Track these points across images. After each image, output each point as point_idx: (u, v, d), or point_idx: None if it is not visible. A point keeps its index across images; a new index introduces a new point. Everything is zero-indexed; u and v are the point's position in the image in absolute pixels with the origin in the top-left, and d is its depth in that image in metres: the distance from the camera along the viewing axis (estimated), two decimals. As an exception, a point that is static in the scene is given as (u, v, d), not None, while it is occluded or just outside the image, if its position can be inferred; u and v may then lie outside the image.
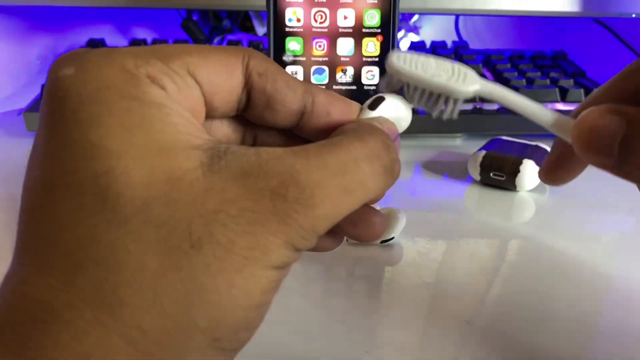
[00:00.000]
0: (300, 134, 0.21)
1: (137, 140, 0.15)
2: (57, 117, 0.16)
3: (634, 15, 0.57)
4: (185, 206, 0.15)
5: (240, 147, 0.16)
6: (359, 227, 0.20)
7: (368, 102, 0.22)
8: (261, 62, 0.19)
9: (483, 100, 0.52)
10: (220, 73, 0.18)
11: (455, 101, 0.21)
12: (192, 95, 0.18)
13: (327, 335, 0.28)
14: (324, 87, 0.43)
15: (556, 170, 0.23)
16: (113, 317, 0.14)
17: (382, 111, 0.21)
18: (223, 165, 0.16)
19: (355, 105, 0.21)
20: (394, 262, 0.34)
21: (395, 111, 0.22)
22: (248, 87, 0.19)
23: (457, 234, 0.37)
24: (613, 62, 0.67)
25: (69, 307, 0.14)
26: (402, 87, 0.21)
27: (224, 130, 0.21)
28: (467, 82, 0.21)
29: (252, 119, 0.20)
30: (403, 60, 0.21)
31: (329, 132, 0.20)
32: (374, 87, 0.43)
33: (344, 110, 0.21)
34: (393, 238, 0.35)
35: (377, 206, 0.36)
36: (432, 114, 0.22)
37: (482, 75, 0.56)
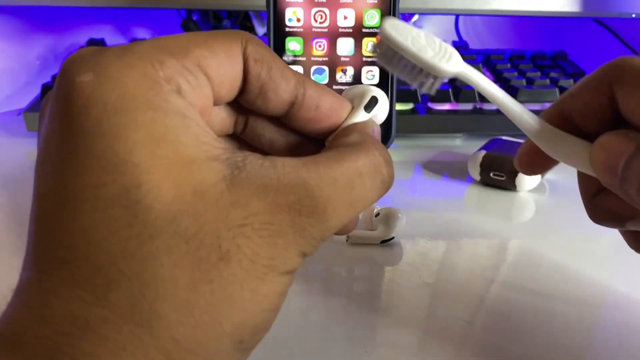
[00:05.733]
0: (288, 123, 0.21)
1: (163, 153, 0.15)
2: (78, 126, 0.15)
3: (634, 15, 0.57)
4: (212, 219, 0.15)
5: (256, 157, 0.17)
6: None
7: (363, 102, 0.22)
8: (257, 47, 0.19)
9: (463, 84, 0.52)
10: (225, 63, 0.18)
11: (436, 78, 0.22)
12: (203, 93, 0.18)
13: (327, 335, 0.28)
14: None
15: (533, 160, 0.24)
16: (150, 332, 0.15)
17: (374, 112, 0.22)
18: (244, 178, 0.16)
19: (346, 103, 0.21)
20: (394, 262, 0.34)
21: (381, 109, 0.22)
22: (245, 73, 0.19)
23: (457, 234, 0.37)
24: (613, 62, 0.67)
25: (104, 322, 0.14)
26: (390, 55, 0.22)
27: (221, 115, 0.21)
28: (450, 62, 0.22)
29: (244, 103, 0.20)
30: (396, 29, 0.21)
31: (316, 124, 0.21)
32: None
33: (334, 106, 0.21)
34: (393, 238, 0.35)
35: (377, 206, 0.36)
36: (411, 85, 0.23)
37: (482, 75, 0.56)
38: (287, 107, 0.20)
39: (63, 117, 0.16)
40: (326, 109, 0.21)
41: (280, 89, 0.20)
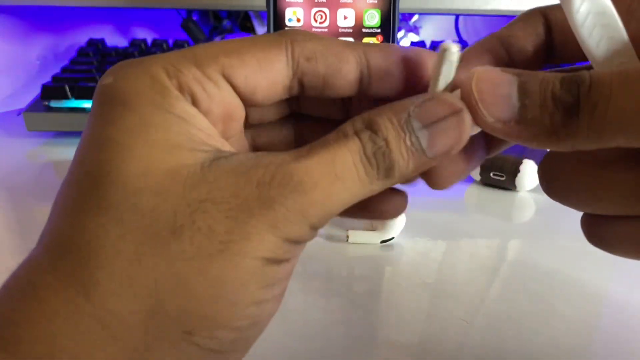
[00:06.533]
0: (371, 97, 0.20)
1: (147, 136, 0.16)
2: (93, 119, 0.17)
3: (634, 15, 0.57)
4: (174, 196, 0.15)
5: (246, 152, 0.17)
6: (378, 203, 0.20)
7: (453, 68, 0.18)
8: (306, 44, 0.18)
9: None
10: (258, 71, 0.18)
11: None
12: (225, 101, 0.18)
13: (327, 335, 0.28)
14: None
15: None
16: (86, 298, 0.15)
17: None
18: (222, 162, 0.16)
19: (427, 55, 0.19)
20: (394, 262, 0.34)
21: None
22: (299, 75, 0.18)
23: (457, 234, 0.37)
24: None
25: (46, 287, 0.15)
26: None
27: (273, 130, 0.21)
28: None
29: (312, 95, 0.19)
30: None
31: (397, 93, 0.19)
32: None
33: (410, 69, 0.19)
34: (393, 238, 0.35)
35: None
36: None
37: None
38: (357, 85, 0.19)
39: (90, 113, 0.17)
40: (399, 75, 0.19)
41: (342, 75, 0.18)
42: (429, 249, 0.35)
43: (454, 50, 0.17)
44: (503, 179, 0.42)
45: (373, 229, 0.35)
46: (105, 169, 0.15)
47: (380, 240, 0.35)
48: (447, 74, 0.18)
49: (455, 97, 0.17)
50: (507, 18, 0.73)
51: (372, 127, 0.16)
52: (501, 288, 0.32)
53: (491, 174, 0.42)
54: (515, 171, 0.41)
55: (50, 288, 0.15)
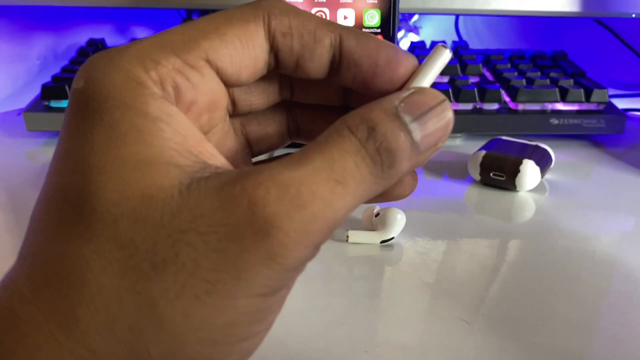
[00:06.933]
0: (339, 83, 0.19)
1: (117, 152, 0.14)
2: (67, 132, 0.15)
3: (634, 15, 0.57)
4: (153, 225, 0.14)
5: (229, 169, 0.15)
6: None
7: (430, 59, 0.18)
8: (283, 19, 0.17)
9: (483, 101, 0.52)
10: (240, 48, 0.17)
11: None
12: (209, 88, 0.17)
13: (327, 335, 0.28)
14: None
15: None
16: (67, 335, 0.14)
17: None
18: (202, 184, 0.14)
19: (406, 60, 0.18)
20: (394, 262, 0.34)
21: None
22: (274, 50, 0.18)
23: (457, 234, 0.37)
24: (613, 62, 0.67)
25: (30, 320, 0.14)
26: None
27: (261, 87, 0.20)
28: None
29: (285, 73, 0.19)
30: None
31: (368, 85, 0.18)
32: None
33: (383, 63, 0.18)
34: (393, 238, 0.35)
35: (377, 206, 0.36)
36: None
37: (482, 75, 0.56)
38: (327, 68, 0.18)
39: (63, 122, 0.16)
40: (370, 67, 0.18)
41: (315, 56, 0.18)
42: (429, 249, 0.35)
43: (449, 55, 0.19)
44: (503, 179, 0.42)
45: (373, 229, 0.35)
46: (83, 195, 0.14)
47: (380, 240, 0.35)
48: (435, 73, 0.18)
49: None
50: (507, 18, 0.73)
51: (368, 124, 0.15)
52: (501, 288, 0.32)
53: (491, 174, 0.42)
54: (515, 171, 0.41)
55: (33, 321, 0.14)
